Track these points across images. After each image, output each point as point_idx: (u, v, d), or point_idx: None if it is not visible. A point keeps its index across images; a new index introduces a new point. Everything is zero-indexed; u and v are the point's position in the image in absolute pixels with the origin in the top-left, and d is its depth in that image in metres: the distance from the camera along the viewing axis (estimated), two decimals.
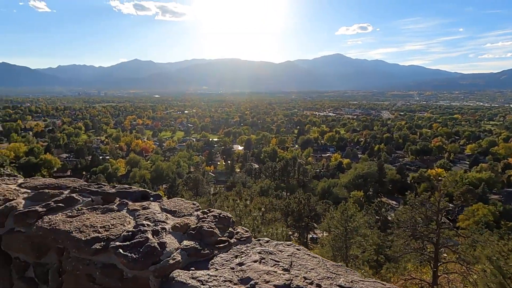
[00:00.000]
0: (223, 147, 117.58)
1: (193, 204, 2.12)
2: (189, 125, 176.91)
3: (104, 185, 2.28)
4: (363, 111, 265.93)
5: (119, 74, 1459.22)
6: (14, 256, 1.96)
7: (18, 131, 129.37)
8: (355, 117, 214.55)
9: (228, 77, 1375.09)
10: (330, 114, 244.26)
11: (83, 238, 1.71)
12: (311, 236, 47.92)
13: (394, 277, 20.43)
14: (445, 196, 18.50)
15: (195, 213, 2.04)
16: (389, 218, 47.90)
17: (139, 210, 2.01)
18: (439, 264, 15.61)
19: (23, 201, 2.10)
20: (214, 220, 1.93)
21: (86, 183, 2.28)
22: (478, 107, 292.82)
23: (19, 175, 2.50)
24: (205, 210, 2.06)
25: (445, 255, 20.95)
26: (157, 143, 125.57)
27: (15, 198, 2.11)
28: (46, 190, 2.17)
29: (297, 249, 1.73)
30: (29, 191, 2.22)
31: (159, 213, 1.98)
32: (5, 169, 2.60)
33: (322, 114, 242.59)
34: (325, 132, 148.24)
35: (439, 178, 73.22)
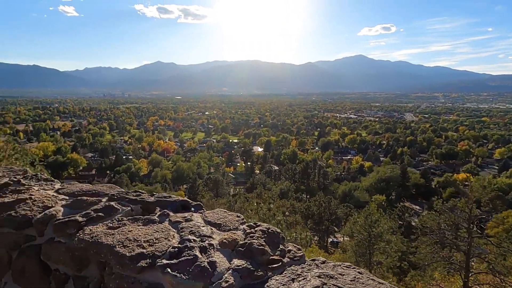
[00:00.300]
0: (242, 148, 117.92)
1: (238, 216, 1.98)
2: (209, 126, 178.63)
3: (142, 193, 2.19)
4: (385, 113, 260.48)
5: (142, 76, 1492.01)
6: (54, 268, 1.89)
7: (47, 131, 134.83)
8: (377, 119, 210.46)
9: (248, 79, 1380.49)
10: (352, 116, 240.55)
11: (127, 254, 1.59)
12: (331, 240, 47.25)
13: (418, 286, 19.76)
14: (473, 202, 17.71)
15: (241, 226, 1.89)
16: (413, 224, 46.65)
17: (182, 222, 1.89)
18: (470, 275, 14.90)
19: (62, 209, 2.03)
20: (263, 236, 1.76)
21: (123, 190, 2.20)
22: (508, 110, 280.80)
23: (55, 180, 2.46)
24: (252, 224, 1.91)
25: (472, 263, 20.04)
26: (178, 144, 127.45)
27: (53, 205, 2.04)
28: (85, 198, 2.10)
29: (359, 273, 1.56)
30: (67, 197, 2.16)
31: (203, 226, 1.85)
32: (41, 173, 2.54)
33: (343, 116, 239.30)
34: (346, 134, 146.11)
35: (466, 183, 70.84)
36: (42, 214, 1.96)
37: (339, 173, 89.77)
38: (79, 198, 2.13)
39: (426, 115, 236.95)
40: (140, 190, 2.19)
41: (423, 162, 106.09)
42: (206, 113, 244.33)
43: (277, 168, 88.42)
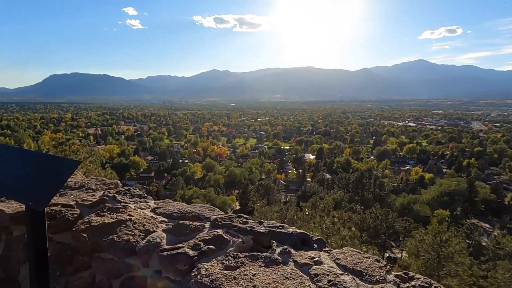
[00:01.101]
0: (294, 155, 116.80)
1: (377, 260, 1.58)
2: (261, 132, 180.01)
3: (248, 219, 1.91)
4: (449, 122, 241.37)
5: (199, 84, 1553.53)
6: None
7: (113, 135, 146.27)
8: (439, 128, 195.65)
9: (302, 86, 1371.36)
10: (410, 124, 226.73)
11: None
12: (387, 255, 44.55)
13: None
14: None
15: (389, 277, 1.47)
16: (483, 244, 42.18)
17: (311, 265, 1.54)
18: None
19: (165, 235, 1.83)
20: None
21: (225, 214, 1.95)
22: None
23: (148, 196, 2.33)
24: (402, 274, 1.50)
25: None
26: (231, 149, 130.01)
27: (155, 229, 1.86)
28: (187, 222, 1.90)
29: None
30: (166, 219, 1.98)
31: (341, 274, 1.46)
32: (134, 188, 2.44)
33: (401, 124, 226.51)
34: (404, 143, 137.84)
35: None
36: (145, 241, 1.77)
37: (396, 184, 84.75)
38: (180, 222, 1.92)
39: (497, 124, 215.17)
40: (244, 215, 1.92)
41: (494, 175, 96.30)
42: (258, 119, 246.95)
43: (330, 176, 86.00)
